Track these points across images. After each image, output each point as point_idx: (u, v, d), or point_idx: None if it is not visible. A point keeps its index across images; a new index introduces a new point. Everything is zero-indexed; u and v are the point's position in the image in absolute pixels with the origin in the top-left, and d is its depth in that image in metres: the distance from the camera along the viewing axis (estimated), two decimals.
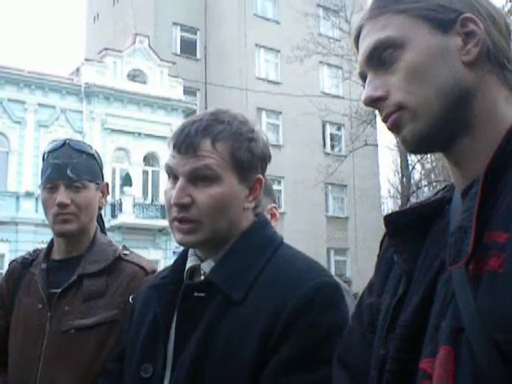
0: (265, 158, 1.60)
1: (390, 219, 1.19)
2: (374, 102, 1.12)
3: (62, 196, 2.10)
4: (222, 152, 1.49)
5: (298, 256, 1.59)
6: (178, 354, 1.47)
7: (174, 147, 1.51)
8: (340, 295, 1.49)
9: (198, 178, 1.48)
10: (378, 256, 1.30)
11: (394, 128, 1.11)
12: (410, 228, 1.16)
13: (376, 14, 1.14)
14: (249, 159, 1.54)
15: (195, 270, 1.59)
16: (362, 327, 1.25)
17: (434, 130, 1.07)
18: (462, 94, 1.06)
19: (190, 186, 1.48)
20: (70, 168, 2.11)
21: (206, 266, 1.55)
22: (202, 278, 1.55)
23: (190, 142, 1.48)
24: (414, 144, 1.11)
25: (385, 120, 1.12)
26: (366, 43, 1.14)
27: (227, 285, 1.47)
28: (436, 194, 1.22)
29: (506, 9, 20.75)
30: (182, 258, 1.66)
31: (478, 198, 0.97)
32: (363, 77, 1.17)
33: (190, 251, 1.63)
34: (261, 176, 1.59)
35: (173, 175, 1.53)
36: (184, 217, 1.48)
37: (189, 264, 1.61)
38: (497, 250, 0.92)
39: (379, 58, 1.12)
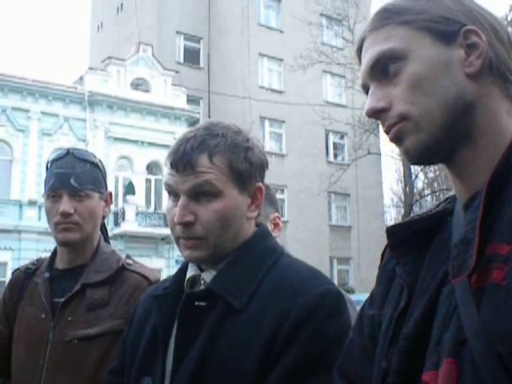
0: (262, 166, 1.60)
1: (392, 231, 1.19)
2: (376, 114, 1.12)
3: (65, 205, 2.10)
4: (220, 166, 1.49)
5: (299, 264, 1.58)
6: (177, 366, 1.46)
7: (172, 166, 1.51)
8: (343, 303, 1.49)
9: (200, 193, 1.48)
10: (380, 267, 1.29)
11: (397, 139, 1.11)
12: (412, 240, 1.16)
13: (379, 25, 1.14)
14: (247, 169, 1.53)
15: (195, 279, 1.59)
16: (363, 339, 1.25)
17: (436, 141, 1.07)
18: (464, 105, 1.06)
19: (192, 203, 1.48)
20: (74, 177, 2.12)
21: (207, 276, 1.55)
22: (203, 287, 1.55)
23: (188, 159, 1.47)
24: (417, 155, 1.10)
25: (387, 131, 1.12)
26: (368, 55, 1.14)
27: (228, 293, 1.47)
28: (438, 205, 1.21)
29: (510, 18, 20.77)
30: (182, 269, 1.65)
31: (480, 210, 0.97)
32: (366, 88, 1.17)
33: None
34: (260, 184, 1.59)
35: (173, 193, 1.52)
36: (188, 236, 1.49)
37: (189, 274, 1.60)
38: (500, 262, 0.92)
39: (382, 70, 1.12)
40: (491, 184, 0.99)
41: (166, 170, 1.55)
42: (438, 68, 1.07)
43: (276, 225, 2.54)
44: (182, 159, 1.48)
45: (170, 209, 1.53)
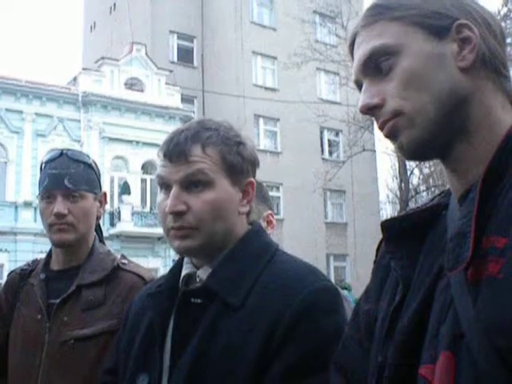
0: (254, 162, 1.62)
1: (386, 225, 1.19)
2: (370, 110, 1.12)
3: (60, 206, 2.10)
4: (212, 156, 1.50)
5: (295, 261, 1.59)
6: (174, 362, 1.47)
7: (165, 156, 1.52)
8: (339, 299, 1.50)
9: (192, 183, 1.49)
10: (375, 262, 1.29)
11: (391, 135, 1.11)
12: (407, 234, 1.16)
13: (371, 21, 1.13)
14: (239, 162, 1.55)
15: (191, 277, 1.59)
16: (359, 334, 1.25)
17: (430, 136, 1.07)
18: (458, 100, 1.06)
19: (184, 192, 1.49)
20: (68, 178, 2.12)
21: (202, 273, 1.55)
22: (199, 284, 1.55)
23: (181, 149, 1.49)
24: (411, 151, 1.10)
25: (381, 128, 1.11)
26: (361, 51, 1.14)
27: (225, 290, 1.47)
28: (432, 199, 1.22)
29: (502, 13, 20.81)
30: (177, 267, 1.66)
31: (476, 203, 0.97)
32: (359, 85, 1.17)
33: (186, 259, 1.63)
34: (252, 179, 1.61)
35: (165, 186, 1.53)
36: (180, 226, 1.48)
37: (184, 271, 1.60)
38: (495, 255, 0.91)
39: (375, 66, 1.11)
40: (486, 177, 0.98)
41: (158, 161, 1.56)
42: (431, 63, 1.07)
43: (269, 222, 2.53)
44: (175, 149, 1.50)
45: (162, 201, 1.53)
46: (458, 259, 0.96)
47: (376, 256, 1.29)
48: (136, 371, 1.55)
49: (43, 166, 2.20)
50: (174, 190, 1.49)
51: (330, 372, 1.27)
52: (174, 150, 1.50)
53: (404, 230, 1.16)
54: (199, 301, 1.49)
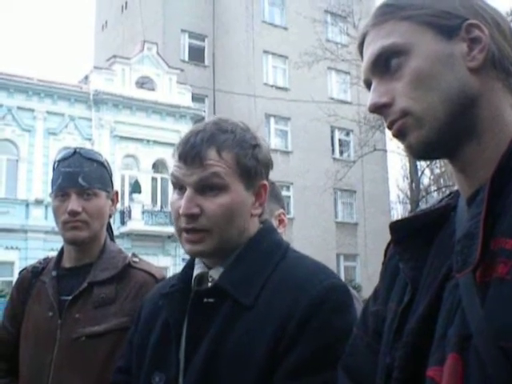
0: (268, 164, 1.61)
1: (395, 227, 1.19)
2: (379, 109, 1.12)
3: (74, 204, 2.11)
4: (228, 160, 1.50)
5: (305, 259, 1.59)
6: (189, 361, 1.48)
7: (180, 158, 1.51)
8: (349, 297, 1.49)
9: (206, 187, 1.48)
10: (383, 263, 1.29)
11: (400, 135, 1.11)
12: (415, 235, 1.15)
13: (380, 20, 1.14)
14: (254, 166, 1.54)
15: (203, 277, 1.60)
16: (367, 335, 1.24)
17: (439, 136, 1.07)
18: (467, 100, 1.06)
19: (198, 195, 1.48)
20: (82, 176, 2.13)
21: (215, 273, 1.56)
22: (211, 284, 1.55)
23: (197, 152, 1.48)
24: (420, 150, 1.10)
25: (390, 127, 1.12)
26: (370, 50, 1.14)
27: (237, 290, 1.48)
28: (441, 201, 1.21)
29: None
30: (189, 266, 1.66)
31: (484, 204, 0.96)
32: (368, 84, 1.17)
33: (197, 259, 1.63)
34: (265, 182, 1.60)
35: (179, 186, 1.53)
36: (193, 227, 1.49)
37: (196, 271, 1.61)
38: (504, 256, 0.91)
39: (384, 65, 1.12)
40: (495, 178, 0.98)
41: (173, 162, 1.55)
42: (440, 63, 1.07)
43: (281, 221, 2.53)
44: (191, 151, 1.49)
45: (175, 201, 1.53)
46: (466, 261, 0.96)
47: (384, 257, 1.29)
48: (151, 371, 1.55)
49: (56, 164, 2.21)
50: (188, 192, 1.48)
51: (339, 374, 1.27)
52: (190, 153, 1.49)
53: (412, 232, 1.16)
54: (211, 300, 1.50)
